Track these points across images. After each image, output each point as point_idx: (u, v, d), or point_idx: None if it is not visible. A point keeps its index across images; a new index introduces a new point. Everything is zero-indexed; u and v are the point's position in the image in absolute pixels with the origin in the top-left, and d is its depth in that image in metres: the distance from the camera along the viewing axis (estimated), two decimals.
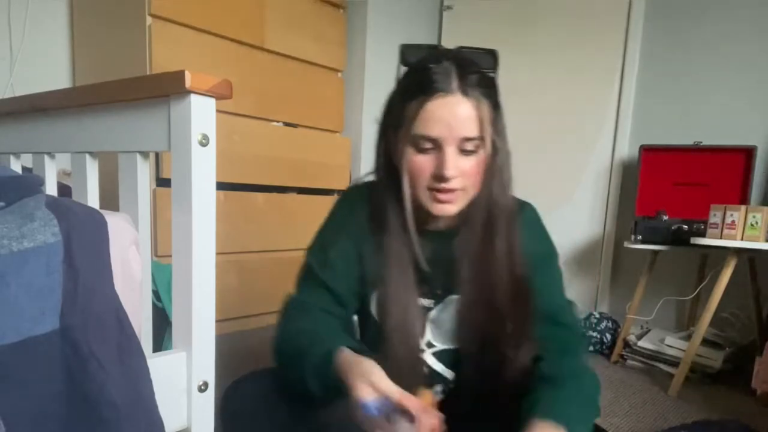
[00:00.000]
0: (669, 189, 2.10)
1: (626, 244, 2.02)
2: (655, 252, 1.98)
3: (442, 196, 0.81)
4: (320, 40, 2.24)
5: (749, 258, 1.86)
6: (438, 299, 0.94)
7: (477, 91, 0.78)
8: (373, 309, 0.93)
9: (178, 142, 0.67)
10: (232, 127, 1.93)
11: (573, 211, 2.48)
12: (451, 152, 0.78)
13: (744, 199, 1.97)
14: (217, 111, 0.68)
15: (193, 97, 0.65)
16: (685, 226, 1.87)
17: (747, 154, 1.98)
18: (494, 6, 2.63)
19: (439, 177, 0.79)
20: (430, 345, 0.95)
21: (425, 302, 0.94)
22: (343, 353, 0.76)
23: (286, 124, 2.17)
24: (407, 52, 0.85)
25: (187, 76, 0.62)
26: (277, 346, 0.87)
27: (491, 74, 0.83)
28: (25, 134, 0.95)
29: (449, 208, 0.83)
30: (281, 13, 2.07)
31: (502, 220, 0.87)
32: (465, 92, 0.77)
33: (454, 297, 0.91)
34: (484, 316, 0.88)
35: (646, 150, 2.14)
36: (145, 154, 0.77)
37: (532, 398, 0.79)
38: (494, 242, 0.86)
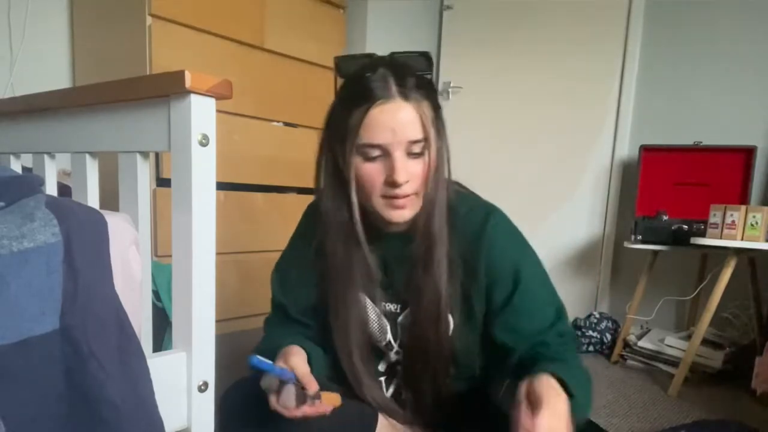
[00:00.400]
0: (669, 189, 2.10)
1: (626, 244, 2.02)
2: (655, 252, 1.98)
3: (396, 202, 0.81)
4: (320, 40, 2.24)
5: (749, 258, 1.85)
6: (405, 303, 0.92)
7: (416, 94, 0.79)
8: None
9: (178, 142, 0.67)
10: (232, 127, 1.93)
11: (573, 211, 2.48)
12: (399, 157, 0.78)
13: (744, 199, 1.96)
14: (217, 111, 0.68)
15: (193, 97, 0.65)
16: (685, 226, 1.87)
17: (747, 154, 1.98)
18: (494, 6, 2.63)
19: (391, 183, 0.79)
20: (403, 346, 0.95)
21: (392, 307, 0.93)
22: (287, 346, 0.81)
23: (286, 124, 2.17)
24: (342, 64, 0.85)
25: (187, 76, 0.62)
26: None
27: (427, 76, 0.83)
28: (25, 134, 0.95)
29: (404, 213, 0.83)
30: (281, 13, 2.07)
31: (441, 222, 0.85)
32: (405, 96, 0.78)
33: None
34: (427, 323, 0.87)
35: (646, 150, 2.14)
36: (145, 154, 0.77)
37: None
38: (433, 248, 0.85)
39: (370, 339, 0.94)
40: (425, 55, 0.83)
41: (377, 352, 0.96)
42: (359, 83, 0.80)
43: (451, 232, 0.85)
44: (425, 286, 0.85)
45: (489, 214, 0.88)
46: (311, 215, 0.98)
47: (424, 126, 0.79)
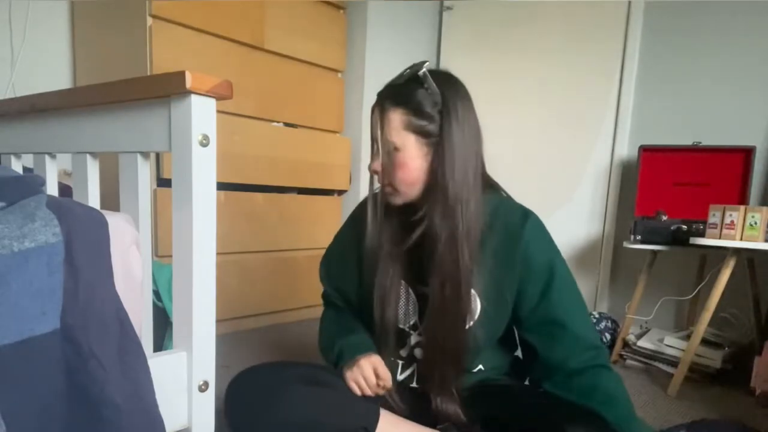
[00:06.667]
0: (668, 189, 2.10)
1: (625, 244, 2.02)
2: (655, 252, 1.98)
3: (384, 189, 0.97)
4: (320, 41, 2.24)
5: (748, 258, 1.86)
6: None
7: (395, 101, 0.92)
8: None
9: (178, 143, 0.67)
10: (233, 128, 1.93)
11: (573, 211, 2.48)
12: (377, 150, 0.95)
13: (743, 200, 1.97)
14: (218, 111, 0.68)
15: (193, 97, 0.65)
16: (685, 226, 1.87)
17: (746, 154, 1.98)
18: (494, 6, 2.63)
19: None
20: (419, 327, 1.01)
21: (425, 290, 0.99)
22: (345, 369, 0.99)
23: (286, 125, 2.17)
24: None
25: (188, 76, 0.63)
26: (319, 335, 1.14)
27: (414, 89, 0.93)
28: (26, 134, 0.95)
29: (391, 198, 0.97)
30: (281, 13, 2.07)
31: (444, 213, 0.93)
32: (382, 104, 0.94)
33: None
34: (441, 307, 0.94)
35: (646, 150, 2.14)
36: (145, 155, 0.77)
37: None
38: (438, 233, 0.94)
39: (396, 320, 1.02)
40: (417, 72, 0.94)
41: (400, 335, 1.03)
42: None
43: (475, 223, 0.93)
44: (440, 267, 0.93)
45: (527, 214, 0.98)
46: (357, 208, 1.13)
47: (396, 124, 0.92)
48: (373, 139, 0.95)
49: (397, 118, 0.92)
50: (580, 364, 0.93)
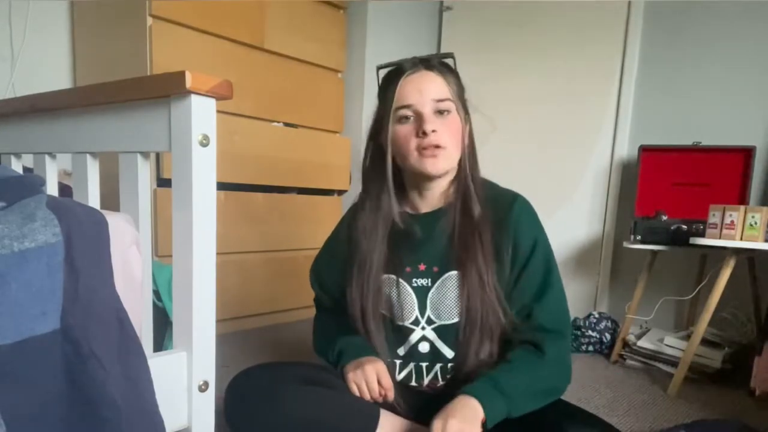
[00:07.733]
0: (668, 189, 2.10)
1: (625, 244, 2.02)
2: (655, 252, 1.98)
3: (427, 152, 0.93)
4: (320, 41, 2.24)
5: (748, 258, 1.85)
6: (436, 277, 0.99)
7: (440, 67, 0.95)
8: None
9: (178, 143, 0.67)
10: (233, 128, 1.93)
11: (572, 211, 2.48)
12: (428, 113, 0.92)
13: (743, 200, 1.97)
14: (218, 111, 0.68)
15: (193, 97, 0.65)
16: (684, 226, 1.87)
17: (746, 154, 1.98)
18: (494, 7, 2.63)
19: (422, 133, 0.91)
20: (430, 321, 0.99)
21: (422, 282, 1.00)
22: (347, 368, 0.97)
23: (286, 125, 2.17)
24: (381, 68, 1.01)
25: (188, 76, 0.63)
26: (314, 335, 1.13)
27: (450, 69, 0.98)
28: (26, 135, 0.95)
29: (437, 163, 0.94)
30: (281, 13, 2.07)
31: (476, 196, 0.97)
32: (429, 67, 0.94)
33: (453, 273, 0.97)
34: (476, 290, 0.94)
35: (646, 150, 2.14)
36: (145, 155, 0.77)
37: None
38: (472, 219, 0.96)
39: (392, 318, 1.01)
40: (450, 55, 1.01)
41: (400, 333, 1.01)
42: (393, 70, 0.97)
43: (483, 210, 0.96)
44: (469, 254, 0.94)
45: (516, 197, 1.00)
46: (348, 213, 1.11)
47: (448, 87, 0.94)
48: (407, 106, 0.93)
49: (450, 82, 0.94)
50: (520, 337, 0.94)
